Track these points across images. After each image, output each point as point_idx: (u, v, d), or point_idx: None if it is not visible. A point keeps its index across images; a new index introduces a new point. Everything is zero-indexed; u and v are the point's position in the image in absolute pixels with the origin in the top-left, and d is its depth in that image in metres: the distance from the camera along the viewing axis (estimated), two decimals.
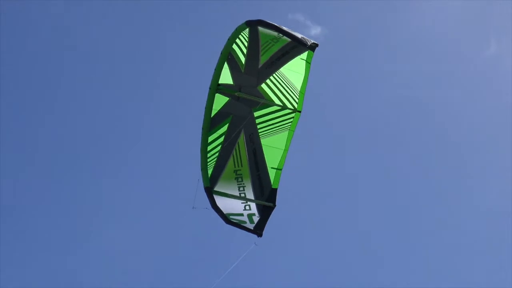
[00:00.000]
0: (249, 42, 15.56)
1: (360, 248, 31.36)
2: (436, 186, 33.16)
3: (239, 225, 16.11)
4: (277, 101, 16.50)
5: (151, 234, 30.43)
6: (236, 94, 16.35)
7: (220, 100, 16.46)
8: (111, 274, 29.10)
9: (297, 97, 16.37)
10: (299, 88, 16.27)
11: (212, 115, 16.54)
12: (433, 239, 31.45)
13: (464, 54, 35.00)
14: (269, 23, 14.81)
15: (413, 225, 32.00)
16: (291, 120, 16.59)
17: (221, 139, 16.69)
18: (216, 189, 16.35)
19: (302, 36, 14.74)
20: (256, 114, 16.70)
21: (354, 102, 33.91)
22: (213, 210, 16.14)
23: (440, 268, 30.39)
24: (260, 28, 15.10)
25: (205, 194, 16.24)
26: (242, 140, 16.77)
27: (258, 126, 16.76)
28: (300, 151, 17.28)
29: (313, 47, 14.86)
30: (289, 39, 14.87)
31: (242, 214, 16.29)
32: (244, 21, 15.20)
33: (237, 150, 16.75)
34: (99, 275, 28.98)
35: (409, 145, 33.48)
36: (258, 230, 16.08)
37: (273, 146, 16.78)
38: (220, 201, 16.20)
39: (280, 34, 14.87)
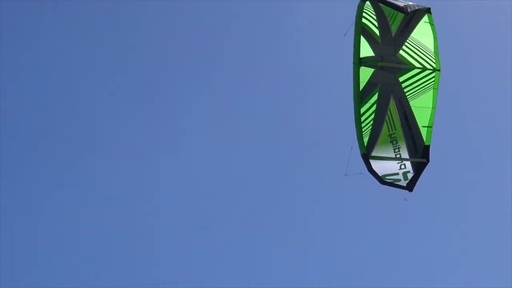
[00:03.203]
0: (376, 15, 16.89)
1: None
2: None
3: (393, 183, 17.48)
4: (417, 64, 17.64)
5: None
6: (379, 64, 17.68)
7: (366, 73, 17.83)
8: None
9: (433, 57, 17.43)
10: (432, 49, 17.35)
11: (361, 88, 17.93)
12: None
13: None
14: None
15: None
16: (433, 79, 17.66)
17: (373, 108, 18.03)
18: (373, 154, 17.74)
19: (410, 5, 15.93)
20: (401, 79, 17.91)
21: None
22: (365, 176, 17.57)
23: None
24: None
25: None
26: (392, 105, 18.03)
27: (405, 90, 17.95)
28: (444, 109, 18.26)
29: (424, 12, 15.98)
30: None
31: (397, 173, 17.59)
32: None
33: (389, 115, 18.03)
34: None
35: None
36: (410, 186, 17.38)
37: (421, 106, 17.91)
38: (376, 164, 17.61)
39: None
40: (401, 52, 17.56)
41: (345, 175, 17.10)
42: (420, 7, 16.17)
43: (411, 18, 16.65)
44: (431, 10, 16.74)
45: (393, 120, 18.02)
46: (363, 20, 17.08)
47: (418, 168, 17.63)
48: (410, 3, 16.34)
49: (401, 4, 16.17)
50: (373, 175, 17.45)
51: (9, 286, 29.17)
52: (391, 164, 17.73)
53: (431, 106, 17.83)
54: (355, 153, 17.60)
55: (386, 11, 16.75)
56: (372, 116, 18.00)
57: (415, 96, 17.92)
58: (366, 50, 17.61)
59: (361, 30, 17.22)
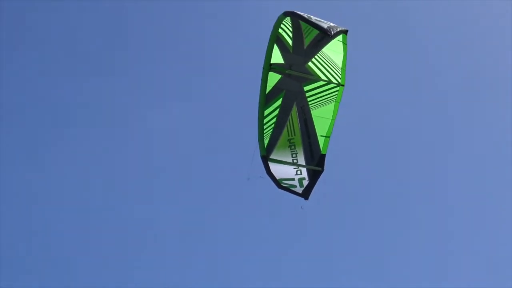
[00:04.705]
0: (293, 27, 17.67)
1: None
2: None
3: (289, 189, 18.39)
4: (323, 77, 18.56)
5: None
6: (287, 72, 18.48)
7: (273, 78, 18.60)
8: None
9: (340, 73, 18.40)
10: (340, 66, 18.31)
11: (267, 91, 18.70)
12: None
13: None
14: (299, 16, 16.94)
15: None
16: (337, 93, 18.64)
17: (276, 112, 18.84)
18: (271, 157, 18.58)
19: (329, 26, 16.81)
20: (305, 88, 18.79)
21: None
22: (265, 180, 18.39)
23: None
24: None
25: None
26: (295, 112, 18.90)
27: (308, 99, 18.85)
28: (344, 120, 19.33)
29: (337, 34, 16.97)
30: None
31: (293, 179, 18.51)
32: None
33: (291, 121, 18.89)
34: None
35: None
36: (306, 194, 18.36)
37: (322, 116, 18.86)
38: (274, 167, 18.46)
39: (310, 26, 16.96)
40: (310, 63, 18.42)
41: (247, 179, 17.87)
42: (340, 29, 17.10)
43: (325, 35, 17.49)
44: (348, 33, 17.68)
45: (293, 126, 18.88)
46: (280, 30, 17.80)
47: (314, 176, 18.59)
48: (332, 24, 17.15)
49: (324, 25, 16.97)
50: (270, 178, 18.29)
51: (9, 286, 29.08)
52: (288, 169, 18.61)
53: (331, 118, 18.81)
54: (257, 156, 18.40)
55: (303, 26, 17.54)
56: (274, 119, 18.82)
57: (317, 106, 18.84)
58: (277, 57, 18.37)
59: (276, 39, 17.94)
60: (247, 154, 18.41)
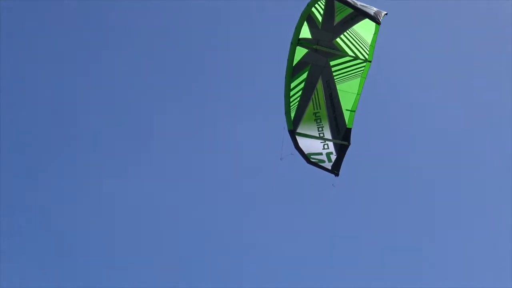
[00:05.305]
0: (326, 4, 17.96)
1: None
2: None
3: (318, 164, 18.85)
4: (350, 53, 18.90)
5: None
6: (314, 46, 18.81)
7: (300, 52, 18.93)
8: None
9: (368, 49, 18.73)
10: (369, 43, 18.63)
11: (294, 64, 19.03)
12: None
13: None
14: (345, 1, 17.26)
15: None
16: (363, 68, 19.00)
17: (302, 85, 19.22)
18: (298, 131, 19.00)
19: (374, 11, 17.11)
20: (332, 63, 19.14)
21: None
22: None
23: None
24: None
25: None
26: (320, 85, 19.27)
27: (334, 74, 19.22)
28: (371, 98, 19.77)
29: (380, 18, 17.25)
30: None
31: (321, 153, 18.96)
32: None
33: (316, 95, 19.28)
34: None
35: None
36: (335, 169, 18.83)
37: (347, 91, 19.25)
38: (301, 142, 18.90)
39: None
40: (338, 40, 18.74)
41: (280, 159, 18.32)
42: (384, 13, 17.41)
43: (360, 14, 17.77)
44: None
45: (319, 100, 19.27)
46: (313, 9, 18.08)
47: (341, 151, 19.05)
48: (375, 9, 17.42)
49: (371, 11, 17.26)
50: (299, 153, 18.74)
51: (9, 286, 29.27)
52: (315, 143, 19.05)
53: (357, 92, 19.19)
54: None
55: (337, 4, 17.82)
56: (300, 93, 19.20)
57: (343, 81, 19.21)
58: (305, 33, 18.67)
59: (307, 17, 18.24)
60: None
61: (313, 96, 19.26)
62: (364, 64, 19.00)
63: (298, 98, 19.20)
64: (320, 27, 18.52)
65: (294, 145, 18.83)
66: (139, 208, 32.62)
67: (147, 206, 32.64)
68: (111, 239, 31.69)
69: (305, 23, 18.44)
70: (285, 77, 19.08)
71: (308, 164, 18.84)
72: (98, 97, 35.05)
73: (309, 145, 18.99)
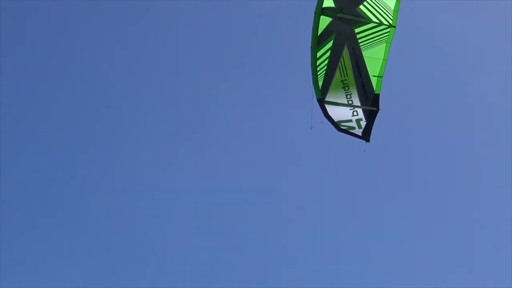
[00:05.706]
0: None
1: None
2: None
3: (348, 131, 19.11)
4: (374, 19, 19.07)
5: None
6: (338, 15, 19.00)
7: (324, 21, 19.12)
8: None
9: (392, 15, 18.90)
10: (393, 8, 18.80)
11: (319, 33, 19.23)
12: None
13: None
14: None
15: None
16: (388, 34, 19.17)
17: (328, 54, 19.42)
18: (327, 99, 19.24)
19: None
20: (356, 30, 19.33)
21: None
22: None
23: None
24: None
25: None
26: (346, 53, 19.47)
27: (359, 41, 19.40)
28: (398, 62, 19.89)
29: None
30: None
31: (351, 120, 19.20)
32: None
33: (342, 62, 19.48)
34: None
35: None
36: (366, 136, 19.09)
37: (373, 57, 19.43)
38: (330, 110, 19.15)
39: None
40: (361, 6, 18.92)
41: (311, 128, 18.61)
42: None
43: None
44: None
45: (345, 67, 19.47)
46: None
47: (370, 116, 19.29)
48: None
49: None
50: (329, 121, 19.00)
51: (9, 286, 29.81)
52: (344, 111, 19.28)
53: (383, 58, 19.38)
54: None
55: None
56: (326, 62, 19.39)
57: (368, 47, 19.39)
58: (328, 2, 18.86)
59: None
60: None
61: (339, 64, 19.46)
62: (388, 29, 19.17)
63: (325, 67, 19.40)
64: None
65: (323, 113, 19.08)
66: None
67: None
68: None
69: None
70: (311, 47, 19.26)
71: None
72: (164, 97, 35.43)
73: (338, 112, 19.22)
